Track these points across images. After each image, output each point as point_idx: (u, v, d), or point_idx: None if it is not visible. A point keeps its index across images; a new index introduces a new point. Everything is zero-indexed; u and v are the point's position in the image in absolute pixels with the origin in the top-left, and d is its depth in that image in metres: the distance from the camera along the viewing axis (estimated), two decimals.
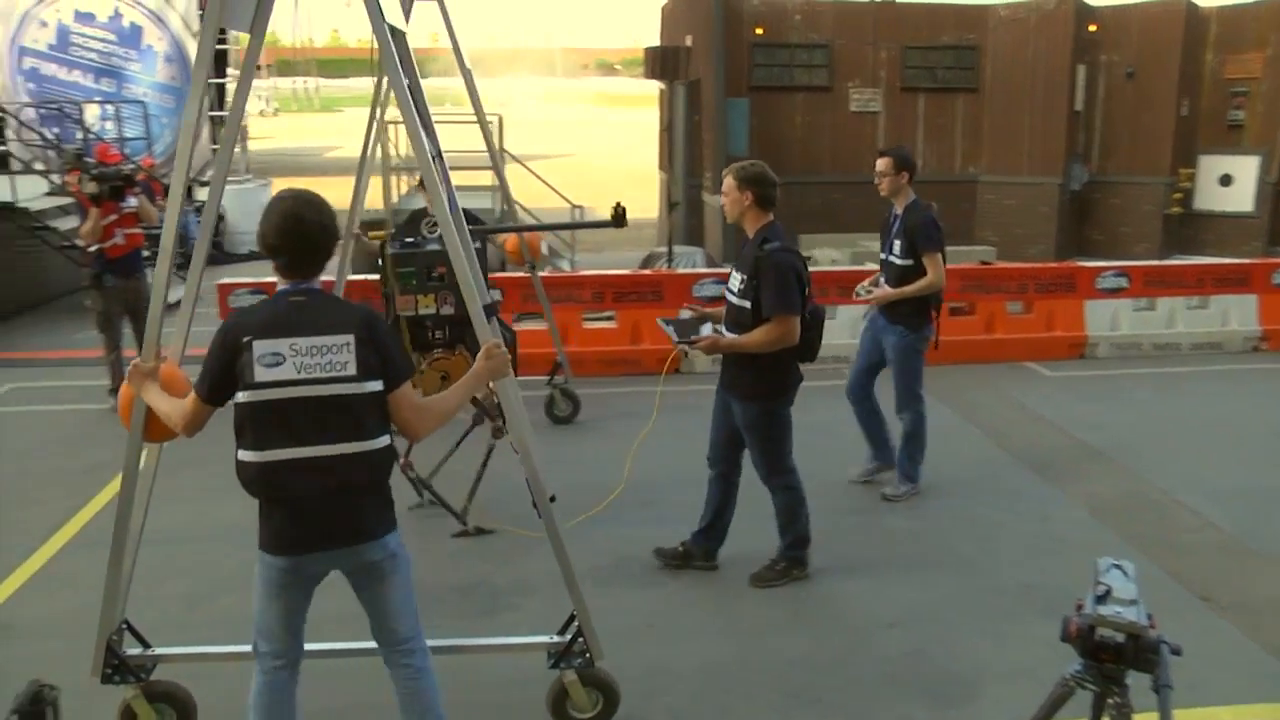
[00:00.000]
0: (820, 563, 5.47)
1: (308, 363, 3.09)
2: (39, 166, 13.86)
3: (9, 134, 15.13)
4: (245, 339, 3.09)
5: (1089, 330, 10.12)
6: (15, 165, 13.95)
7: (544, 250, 13.22)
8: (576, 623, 3.95)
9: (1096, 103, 17.09)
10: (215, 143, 16.99)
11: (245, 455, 3.14)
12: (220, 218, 15.77)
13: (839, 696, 4.31)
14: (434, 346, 5.66)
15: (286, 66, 74.31)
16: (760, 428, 5.11)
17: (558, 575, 3.90)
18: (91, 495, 6.51)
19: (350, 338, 3.13)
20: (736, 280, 5.02)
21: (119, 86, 16.41)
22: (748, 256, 4.97)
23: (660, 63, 17.58)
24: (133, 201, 8.15)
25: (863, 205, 16.88)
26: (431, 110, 4.18)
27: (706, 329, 5.08)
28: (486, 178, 12.80)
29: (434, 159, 3.86)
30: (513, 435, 3.91)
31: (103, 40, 16.37)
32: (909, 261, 6.12)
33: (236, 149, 17.36)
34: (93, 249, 8.00)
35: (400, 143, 13.20)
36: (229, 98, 17.13)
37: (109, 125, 15.59)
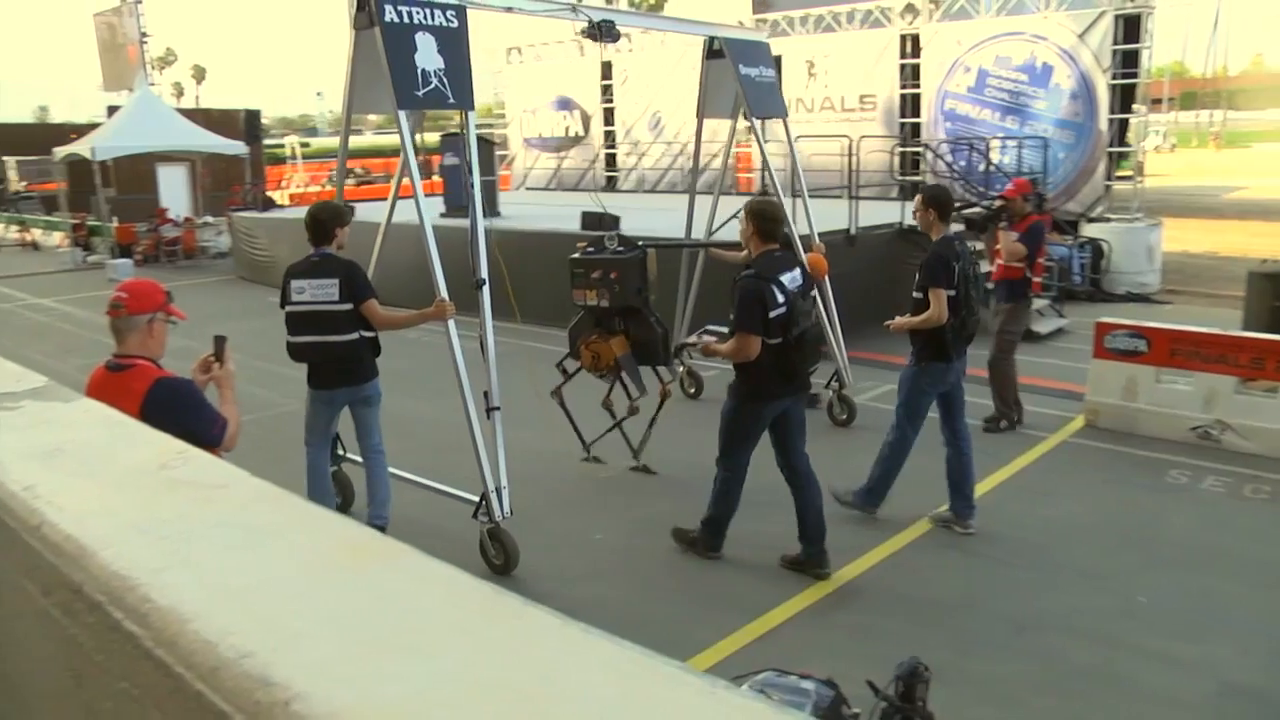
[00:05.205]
0: None
1: (316, 294, 5.89)
2: None
3: (923, 166, 17.59)
4: (288, 279, 5.98)
5: None
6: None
7: None
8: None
9: None
10: (1109, 179, 16.88)
11: (288, 339, 6.01)
12: (1101, 254, 15.71)
13: None
14: (612, 331, 7.43)
15: (1189, 99, 68.41)
16: (726, 417, 5.94)
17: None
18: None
19: (337, 281, 5.86)
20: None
21: (1022, 123, 17.30)
22: None
23: None
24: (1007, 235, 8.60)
25: None
26: None
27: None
28: None
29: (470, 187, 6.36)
30: (455, 366, 6.14)
31: (1014, 81, 17.38)
32: (918, 295, 6.35)
33: (1127, 185, 17.01)
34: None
35: None
36: (1130, 133, 16.95)
37: (1006, 159, 16.59)
